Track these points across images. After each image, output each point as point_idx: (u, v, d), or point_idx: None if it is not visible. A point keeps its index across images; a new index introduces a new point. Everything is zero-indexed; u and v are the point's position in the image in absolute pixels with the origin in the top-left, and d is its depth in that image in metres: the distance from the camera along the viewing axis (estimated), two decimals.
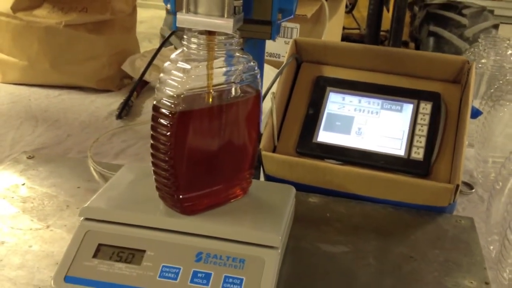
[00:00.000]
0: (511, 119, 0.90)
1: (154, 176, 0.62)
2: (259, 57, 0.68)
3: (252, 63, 0.55)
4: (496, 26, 1.79)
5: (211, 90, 0.53)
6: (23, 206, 0.68)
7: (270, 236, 0.54)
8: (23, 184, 0.72)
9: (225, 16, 0.50)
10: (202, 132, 0.54)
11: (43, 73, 1.16)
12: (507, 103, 0.86)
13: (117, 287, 0.52)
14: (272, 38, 0.59)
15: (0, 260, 0.58)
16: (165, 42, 1.02)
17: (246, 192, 0.61)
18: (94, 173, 0.77)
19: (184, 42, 0.54)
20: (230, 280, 0.52)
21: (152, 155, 0.55)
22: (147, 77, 1.20)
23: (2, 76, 1.25)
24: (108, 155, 0.90)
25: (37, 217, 0.65)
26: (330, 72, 0.83)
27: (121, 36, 1.21)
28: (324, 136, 0.78)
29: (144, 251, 0.55)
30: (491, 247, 0.73)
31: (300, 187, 0.67)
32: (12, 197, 0.69)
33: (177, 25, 0.52)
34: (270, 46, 1.15)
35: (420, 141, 0.76)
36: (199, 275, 0.53)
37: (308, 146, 0.78)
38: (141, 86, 1.19)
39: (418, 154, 0.75)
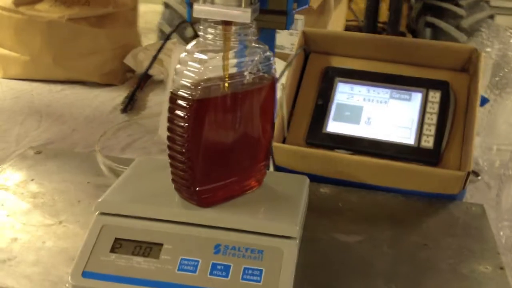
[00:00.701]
0: None
1: (170, 169, 0.62)
2: (269, 48, 0.67)
3: (268, 53, 0.55)
4: (492, 17, 1.79)
5: (227, 81, 0.53)
6: (34, 202, 0.67)
7: (288, 227, 0.54)
8: (32, 180, 0.72)
9: (243, 6, 0.50)
10: (219, 123, 0.54)
11: (46, 68, 1.15)
12: None
13: (136, 281, 0.52)
14: (287, 28, 0.58)
15: (14, 256, 0.58)
16: (170, 35, 1.01)
17: (261, 183, 0.61)
18: (103, 168, 0.76)
19: (200, 33, 0.53)
20: (250, 271, 0.52)
21: (169, 147, 0.55)
22: (150, 70, 1.20)
23: (4, 71, 1.24)
24: (115, 149, 0.89)
25: (48, 213, 0.65)
26: (338, 62, 0.83)
27: (123, 30, 1.20)
28: (334, 126, 0.78)
29: (161, 244, 0.54)
30: (501, 233, 0.74)
31: (311, 178, 0.67)
32: (22, 193, 0.69)
33: (194, 15, 0.52)
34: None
35: (430, 130, 0.76)
36: (218, 267, 0.53)
37: (318, 137, 0.77)
38: (144, 80, 1.19)
39: (427, 142, 0.75)
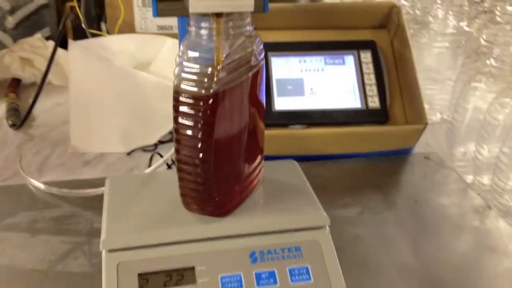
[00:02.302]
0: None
1: (153, 183, 0.56)
2: None
3: (259, 39, 0.51)
4: None
5: (233, 74, 0.48)
6: None
7: (319, 216, 0.52)
8: None
9: None
10: (232, 122, 0.49)
11: None
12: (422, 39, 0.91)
13: None
14: (265, 10, 0.54)
15: None
16: (61, 34, 0.88)
17: (260, 178, 0.57)
18: (47, 197, 0.66)
19: (192, 28, 0.47)
20: (296, 271, 0.49)
21: (179, 160, 0.49)
22: (19, 74, 1.05)
23: None
24: (30, 174, 0.77)
25: (28, 264, 0.54)
26: (265, 36, 0.80)
27: None
28: (281, 102, 0.76)
29: (193, 268, 0.49)
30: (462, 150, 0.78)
31: (270, 159, 0.64)
32: None
33: (191, 11, 0.45)
34: (160, 19, 1.07)
35: (372, 90, 0.77)
36: (263, 275, 0.49)
37: (269, 116, 0.75)
38: (15, 86, 1.04)
39: (374, 102, 0.77)
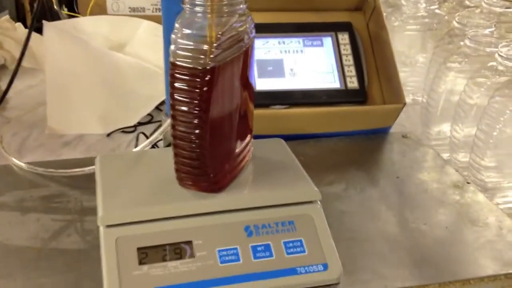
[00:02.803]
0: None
1: (143, 161, 0.57)
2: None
3: (251, 18, 0.52)
4: None
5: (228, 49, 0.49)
6: None
7: (310, 191, 0.53)
8: None
9: None
10: (225, 98, 0.50)
11: None
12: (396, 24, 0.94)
13: (188, 286, 0.47)
14: None
15: None
16: (34, 20, 0.86)
17: (250, 155, 0.58)
18: (32, 177, 0.65)
19: (186, 6, 0.48)
20: (290, 244, 0.51)
21: (174, 136, 0.49)
22: None
23: None
24: (10, 155, 0.76)
25: (25, 238, 0.54)
26: None
27: None
28: (262, 83, 0.77)
29: (190, 241, 0.50)
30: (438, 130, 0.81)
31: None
32: None
33: None
34: (132, 1, 1.06)
35: (351, 71, 0.79)
36: (259, 248, 0.50)
37: None
38: None
39: (353, 83, 0.79)
